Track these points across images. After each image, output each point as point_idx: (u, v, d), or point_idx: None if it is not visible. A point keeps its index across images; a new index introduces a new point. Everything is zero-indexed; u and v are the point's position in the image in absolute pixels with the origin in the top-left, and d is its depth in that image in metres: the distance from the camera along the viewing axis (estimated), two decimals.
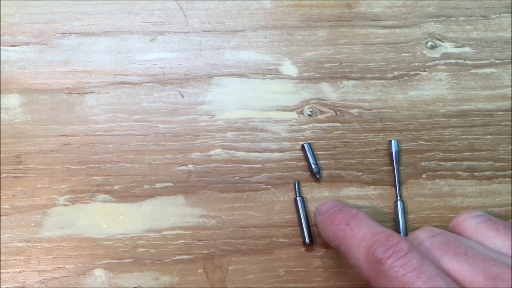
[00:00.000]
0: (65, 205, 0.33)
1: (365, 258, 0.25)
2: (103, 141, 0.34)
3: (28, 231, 0.33)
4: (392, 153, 0.34)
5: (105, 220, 0.33)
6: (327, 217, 0.30)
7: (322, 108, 0.36)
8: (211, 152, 0.35)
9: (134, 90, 0.36)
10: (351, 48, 0.37)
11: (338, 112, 0.36)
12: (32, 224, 0.33)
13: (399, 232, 0.33)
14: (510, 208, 0.34)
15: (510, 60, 0.37)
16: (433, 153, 0.35)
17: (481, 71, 0.37)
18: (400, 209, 0.33)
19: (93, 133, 0.35)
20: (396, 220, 0.33)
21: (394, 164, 0.34)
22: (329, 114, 0.36)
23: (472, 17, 0.38)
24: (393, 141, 0.34)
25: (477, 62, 0.37)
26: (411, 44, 0.38)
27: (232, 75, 0.36)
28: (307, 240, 0.33)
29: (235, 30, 0.37)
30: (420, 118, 0.36)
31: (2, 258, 0.32)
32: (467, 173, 0.35)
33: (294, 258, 0.33)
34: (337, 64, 0.37)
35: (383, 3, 0.38)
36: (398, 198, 0.33)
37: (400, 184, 0.34)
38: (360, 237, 0.26)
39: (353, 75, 0.37)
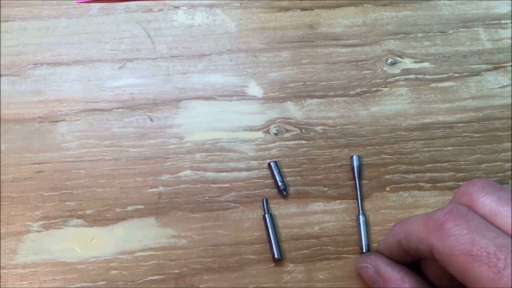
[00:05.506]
0: (39, 231, 0.34)
1: (425, 226, 0.25)
2: (75, 167, 0.35)
3: (3, 258, 0.33)
4: (353, 167, 0.35)
5: (79, 244, 0.34)
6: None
7: (288, 127, 0.37)
8: (181, 174, 0.36)
9: (104, 117, 0.37)
10: (314, 67, 0.39)
11: (303, 130, 0.37)
12: (7, 251, 0.34)
13: (362, 245, 0.33)
14: None
15: (468, 73, 0.39)
16: (396, 166, 0.36)
17: (440, 85, 0.38)
18: (362, 222, 0.34)
19: (65, 160, 0.36)
20: (358, 233, 0.34)
21: (356, 179, 0.35)
22: (294, 132, 0.37)
23: (430, 33, 0.40)
24: (354, 157, 0.35)
25: (436, 77, 0.39)
26: (372, 61, 0.39)
27: (199, 98, 0.38)
28: (276, 255, 0.34)
29: (201, 55, 0.39)
30: (383, 132, 0.37)
31: None
32: (429, 184, 0.36)
33: (263, 274, 0.34)
34: (301, 83, 0.38)
35: (344, 23, 0.40)
36: (360, 211, 0.34)
37: (362, 198, 0.35)
38: (417, 218, 0.27)
39: (317, 94, 0.38)
